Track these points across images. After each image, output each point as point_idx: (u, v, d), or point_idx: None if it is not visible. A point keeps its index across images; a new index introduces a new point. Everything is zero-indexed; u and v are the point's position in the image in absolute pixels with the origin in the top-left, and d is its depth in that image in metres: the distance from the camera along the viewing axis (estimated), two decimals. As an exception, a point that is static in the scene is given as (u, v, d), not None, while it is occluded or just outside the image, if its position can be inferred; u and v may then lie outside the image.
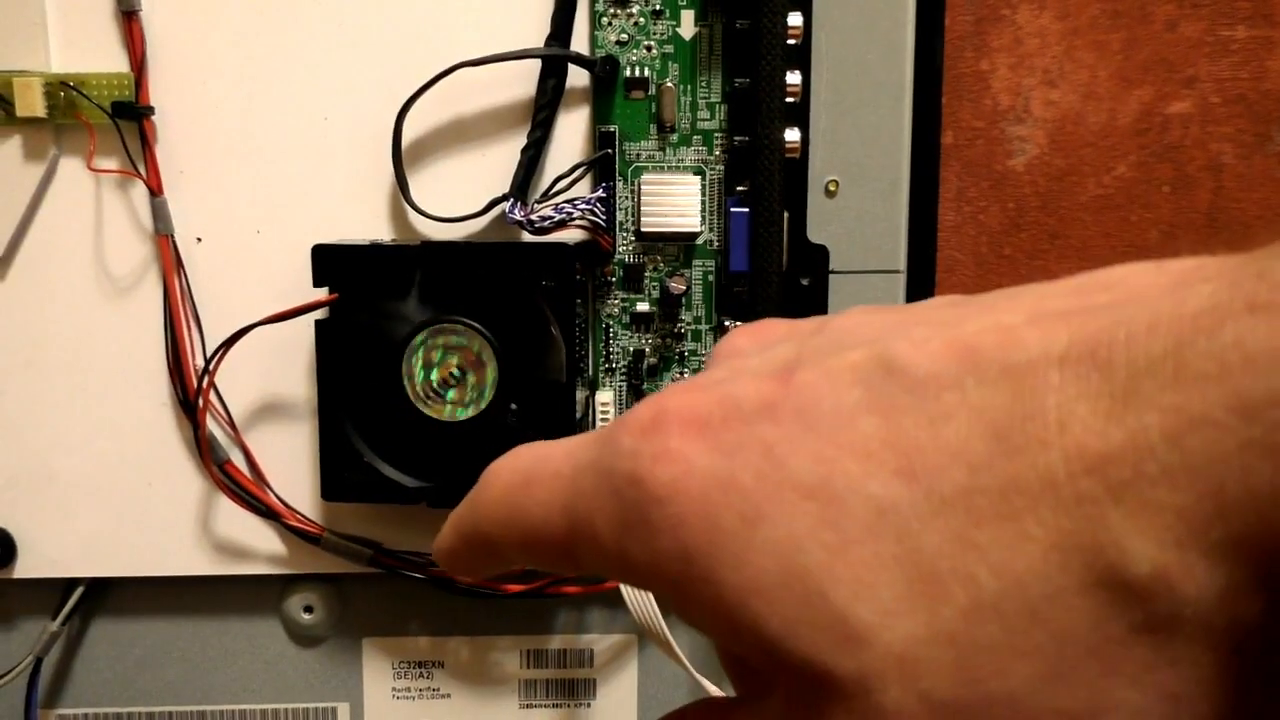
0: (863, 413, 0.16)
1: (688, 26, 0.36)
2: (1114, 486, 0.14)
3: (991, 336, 0.16)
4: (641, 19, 0.36)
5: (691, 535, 0.17)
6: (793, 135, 0.35)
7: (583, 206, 0.36)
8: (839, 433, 0.16)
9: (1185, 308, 0.15)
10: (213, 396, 0.38)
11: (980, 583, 0.15)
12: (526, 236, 0.36)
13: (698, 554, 0.17)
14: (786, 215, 0.36)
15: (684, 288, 0.37)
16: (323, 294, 0.35)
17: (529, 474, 0.20)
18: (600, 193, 0.36)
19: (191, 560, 0.39)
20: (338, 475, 0.36)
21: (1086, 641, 0.15)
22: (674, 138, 0.37)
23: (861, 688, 0.16)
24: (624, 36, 0.36)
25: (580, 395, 0.36)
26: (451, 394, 0.35)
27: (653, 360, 0.38)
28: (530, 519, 0.19)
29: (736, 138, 0.36)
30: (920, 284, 0.39)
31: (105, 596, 0.40)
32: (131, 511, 0.39)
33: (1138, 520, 0.14)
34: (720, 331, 0.38)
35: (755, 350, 0.19)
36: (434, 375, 0.34)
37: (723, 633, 0.17)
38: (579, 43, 0.36)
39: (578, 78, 0.36)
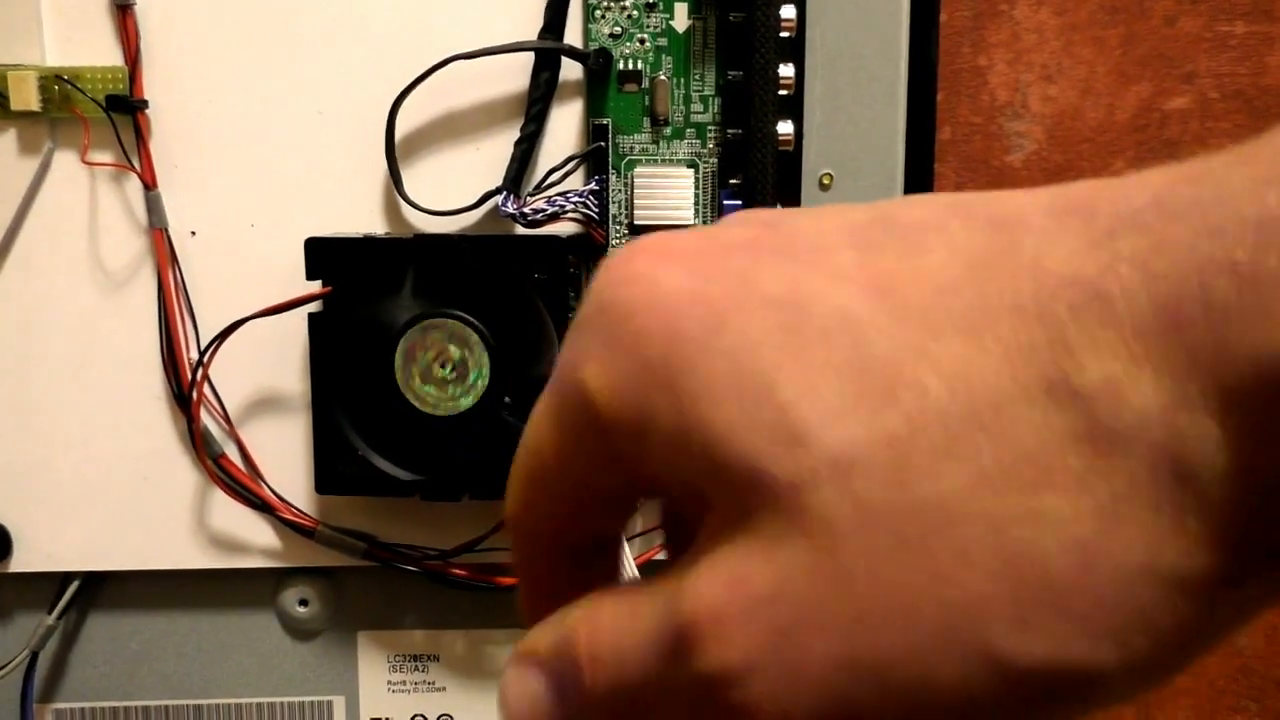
0: (842, 248, 0.16)
1: (681, 19, 0.36)
2: (1076, 305, 0.14)
3: (983, 197, 0.16)
4: (635, 12, 0.36)
5: (651, 347, 0.16)
6: (786, 128, 0.35)
7: (576, 199, 0.36)
8: (817, 261, 0.16)
9: (1173, 171, 0.15)
10: (207, 390, 0.38)
11: (928, 389, 0.15)
12: (519, 229, 0.36)
13: (656, 365, 0.16)
14: (780, 208, 0.36)
15: (677, 281, 0.37)
16: (316, 287, 0.35)
17: (537, 412, 0.19)
18: (593, 186, 0.36)
19: (186, 554, 0.39)
20: (332, 468, 0.36)
21: (1024, 447, 0.15)
22: (667, 130, 0.37)
23: (793, 489, 0.15)
24: (617, 29, 0.36)
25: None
26: (443, 388, 0.35)
27: (646, 353, 0.38)
28: (531, 425, 0.19)
29: (730, 130, 0.36)
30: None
31: (101, 590, 0.41)
32: (127, 505, 0.39)
33: (1094, 334, 0.14)
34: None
35: (741, 219, 0.18)
36: (427, 368, 0.35)
37: (670, 449, 0.16)
38: (572, 36, 0.36)
39: (571, 71, 0.37)
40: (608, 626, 0.17)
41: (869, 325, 0.15)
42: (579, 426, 0.17)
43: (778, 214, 0.18)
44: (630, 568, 0.35)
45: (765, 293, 0.16)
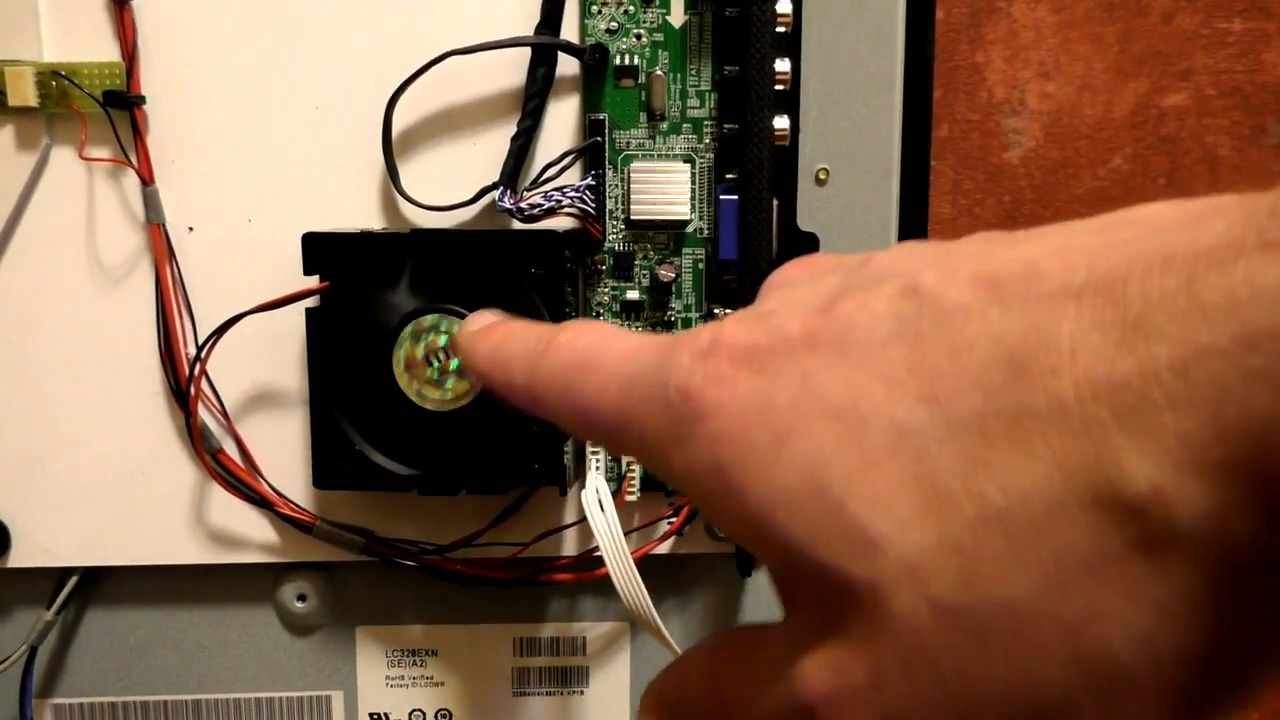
0: (893, 341, 0.17)
1: (677, 14, 0.36)
2: (1119, 411, 0.15)
3: (1016, 267, 0.17)
4: (631, 7, 0.36)
5: (726, 451, 0.18)
6: (782, 123, 0.36)
7: (572, 194, 0.36)
8: (870, 360, 0.17)
9: (1199, 243, 0.15)
10: (205, 385, 0.38)
11: (988, 498, 0.16)
12: (516, 224, 0.36)
13: (729, 468, 0.18)
14: (776, 203, 0.36)
15: (674, 275, 0.37)
16: (313, 282, 0.35)
17: (588, 359, 0.22)
18: (590, 181, 0.36)
19: (185, 549, 0.39)
20: (329, 463, 0.36)
21: (1084, 555, 0.15)
22: (664, 126, 0.37)
23: (875, 593, 0.17)
24: (614, 24, 0.36)
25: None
26: (440, 383, 0.35)
27: (643, 348, 0.38)
28: (584, 399, 0.21)
29: (726, 125, 0.36)
30: (910, 272, 0.39)
31: (99, 585, 0.41)
32: (125, 500, 0.39)
33: (1140, 443, 0.15)
34: (710, 319, 0.38)
35: (804, 280, 0.20)
36: (424, 362, 0.35)
37: (751, 542, 0.18)
38: (569, 31, 0.36)
39: (568, 66, 0.37)
40: (731, 693, 0.20)
41: (929, 438, 0.17)
42: (633, 455, 0.21)
43: (828, 294, 0.19)
44: (606, 510, 0.35)
45: (826, 399, 0.18)
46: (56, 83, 0.36)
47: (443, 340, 0.35)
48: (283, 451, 0.38)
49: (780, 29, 0.35)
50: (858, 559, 0.17)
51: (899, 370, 0.17)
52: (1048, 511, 0.16)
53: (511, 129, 0.36)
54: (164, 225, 0.37)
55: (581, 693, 0.42)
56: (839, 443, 0.17)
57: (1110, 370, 0.15)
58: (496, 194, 0.35)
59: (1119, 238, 0.16)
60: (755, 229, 0.36)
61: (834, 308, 0.18)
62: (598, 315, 0.38)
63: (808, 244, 0.37)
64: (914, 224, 0.39)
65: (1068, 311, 0.16)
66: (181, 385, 0.37)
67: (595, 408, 0.21)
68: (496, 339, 0.26)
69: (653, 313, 0.38)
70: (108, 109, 0.36)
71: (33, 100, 0.35)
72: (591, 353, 0.22)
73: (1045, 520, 0.16)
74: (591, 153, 0.36)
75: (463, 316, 0.34)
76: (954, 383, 0.17)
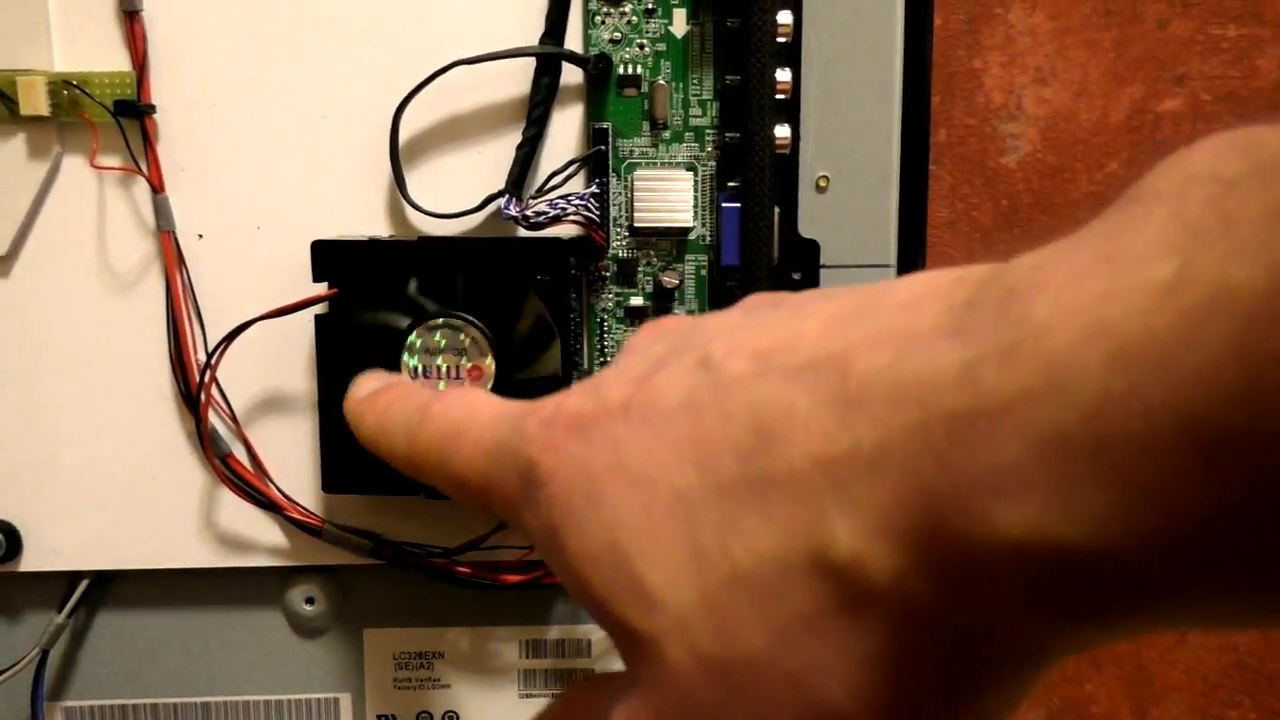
0: (681, 411, 0.20)
1: (680, 25, 0.37)
2: (835, 482, 0.17)
3: (785, 340, 0.19)
4: (634, 17, 0.37)
5: (556, 514, 0.21)
6: (783, 131, 0.36)
7: (577, 202, 0.36)
8: (664, 429, 0.20)
9: (913, 325, 0.17)
10: (214, 390, 0.38)
11: (736, 559, 0.18)
12: (522, 232, 0.37)
13: (558, 529, 0.21)
14: (777, 210, 0.37)
15: (676, 282, 0.38)
16: (322, 289, 0.36)
17: (458, 430, 0.24)
18: (594, 189, 0.37)
19: (194, 553, 0.40)
20: (338, 468, 0.37)
21: (804, 613, 0.17)
22: (666, 134, 0.37)
23: (654, 644, 0.19)
24: (617, 35, 0.37)
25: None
26: (447, 386, 0.35)
27: (647, 353, 0.38)
28: (454, 469, 0.24)
29: (728, 134, 0.37)
30: (910, 277, 0.40)
31: (110, 589, 0.41)
32: (135, 504, 0.39)
33: (846, 511, 0.17)
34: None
35: (644, 347, 0.23)
36: (432, 369, 0.35)
37: (575, 597, 0.21)
38: (573, 41, 0.37)
39: (572, 75, 0.37)
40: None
41: (698, 501, 0.19)
42: (500, 515, 0.24)
43: (651, 363, 0.21)
44: None
45: (629, 466, 0.20)
46: (68, 92, 0.36)
47: (452, 353, 0.35)
48: (291, 456, 0.39)
49: (781, 39, 0.36)
50: (642, 613, 0.19)
51: (683, 439, 0.19)
52: (777, 573, 0.17)
53: (516, 138, 0.37)
54: (174, 233, 0.38)
55: (586, 693, 0.42)
56: (633, 507, 0.19)
57: (831, 444, 0.17)
58: (502, 202, 0.36)
59: (880, 308, 0.18)
60: (757, 236, 0.36)
61: (650, 378, 0.21)
62: (601, 321, 0.38)
63: (809, 250, 0.38)
64: (913, 229, 0.40)
65: (805, 384, 0.18)
66: (192, 391, 0.38)
67: (464, 477, 0.24)
68: (380, 407, 0.29)
69: (656, 318, 0.38)
70: (118, 118, 0.36)
71: (44, 110, 0.36)
72: (461, 423, 0.25)
73: (775, 581, 0.17)
74: (595, 161, 0.37)
75: (469, 322, 0.35)
76: (718, 449, 0.19)
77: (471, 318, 0.35)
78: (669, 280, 0.38)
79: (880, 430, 0.17)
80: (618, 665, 0.42)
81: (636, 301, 0.38)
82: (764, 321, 0.20)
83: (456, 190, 0.37)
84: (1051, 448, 0.15)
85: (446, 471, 0.25)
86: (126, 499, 0.39)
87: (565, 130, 0.37)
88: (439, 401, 0.26)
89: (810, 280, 0.38)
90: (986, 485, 0.15)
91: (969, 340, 0.16)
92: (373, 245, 0.36)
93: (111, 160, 0.37)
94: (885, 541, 0.17)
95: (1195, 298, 0.14)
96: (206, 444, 0.38)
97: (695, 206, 0.37)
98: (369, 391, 0.30)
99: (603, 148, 0.37)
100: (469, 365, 0.35)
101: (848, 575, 0.17)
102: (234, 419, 0.39)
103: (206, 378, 0.37)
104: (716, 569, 0.18)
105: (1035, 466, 0.15)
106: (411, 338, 0.35)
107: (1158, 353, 0.14)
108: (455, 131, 0.37)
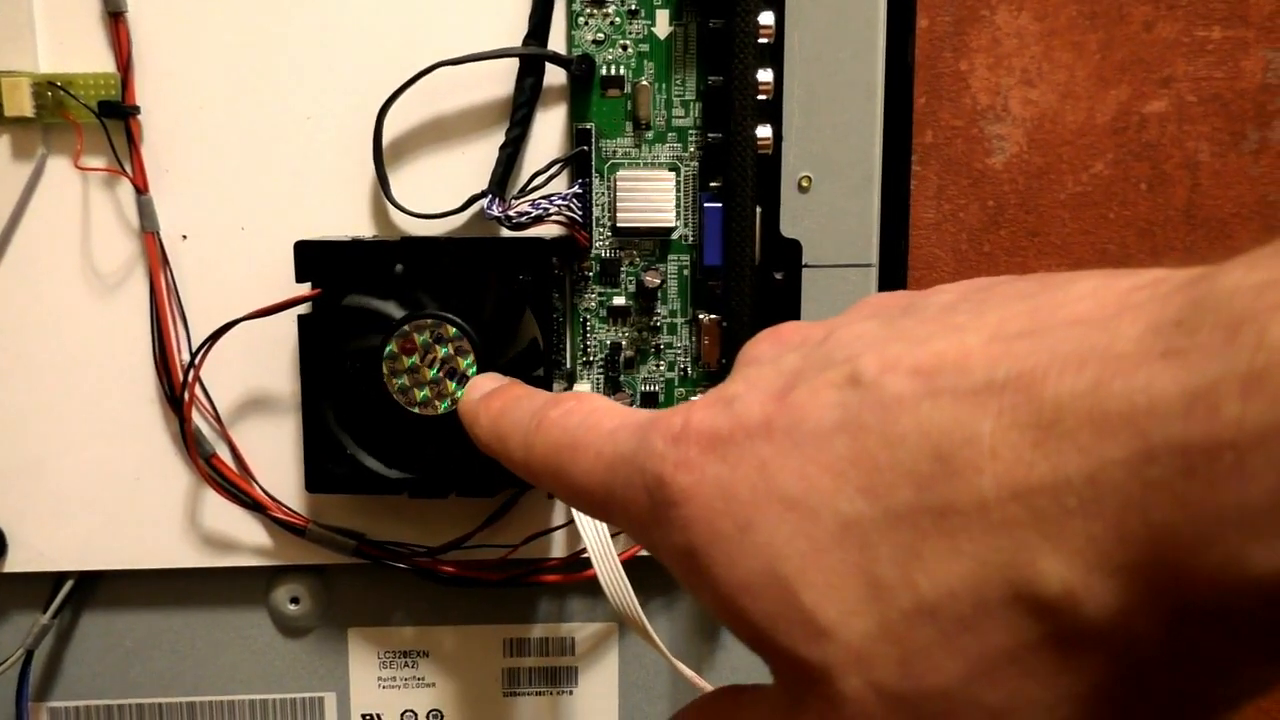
0: (838, 433, 0.19)
1: (663, 26, 0.37)
2: (1035, 512, 0.16)
3: (950, 357, 0.18)
4: (617, 18, 0.37)
5: (696, 536, 0.20)
6: (765, 132, 0.36)
7: (560, 202, 0.37)
8: (818, 452, 0.19)
9: (1113, 347, 0.16)
10: (198, 391, 0.38)
11: (920, 590, 0.17)
12: (505, 232, 0.37)
13: (700, 553, 0.20)
14: (760, 210, 0.37)
15: (659, 281, 0.38)
16: (305, 289, 0.36)
17: (575, 440, 0.24)
18: (577, 189, 0.37)
19: (179, 553, 0.40)
20: (321, 468, 0.37)
21: (1005, 648, 0.17)
22: (649, 134, 0.37)
23: (827, 675, 0.18)
24: (600, 36, 0.37)
25: (558, 387, 0.37)
26: (430, 387, 0.35)
27: (629, 353, 0.38)
28: (573, 480, 0.24)
29: (710, 134, 0.37)
30: (891, 277, 0.40)
31: (95, 589, 0.41)
32: (120, 505, 0.39)
33: (1053, 545, 0.16)
34: (695, 325, 0.38)
35: (770, 358, 0.22)
36: (414, 368, 0.35)
37: (724, 621, 0.20)
38: (556, 42, 0.37)
39: (555, 76, 0.37)
40: None
41: (870, 529, 0.18)
42: (620, 528, 0.23)
43: (786, 377, 0.20)
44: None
45: (781, 490, 0.19)
46: (52, 93, 0.36)
47: (435, 353, 0.35)
48: (275, 456, 0.39)
49: (763, 40, 0.36)
50: (811, 644, 0.18)
51: (843, 462, 0.18)
52: (973, 606, 0.17)
53: (500, 138, 0.37)
54: (158, 233, 0.38)
55: (570, 692, 0.42)
56: (792, 533, 0.19)
57: (1028, 473, 0.16)
58: (485, 202, 0.36)
59: (1051, 322, 0.17)
60: (739, 236, 0.36)
61: (789, 395, 0.20)
62: (584, 321, 0.38)
63: (791, 249, 0.38)
64: (895, 229, 0.40)
65: (989, 408, 0.17)
66: (176, 391, 0.38)
67: (584, 488, 0.23)
68: (495, 410, 0.28)
69: (639, 318, 0.38)
70: (103, 119, 0.36)
71: (29, 111, 0.36)
72: (579, 433, 0.24)
73: (970, 614, 0.17)
74: (578, 161, 0.37)
75: (452, 322, 0.35)
76: (890, 476, 0.18)
77: (454, 317, 0.35)
78: (651, 280, 0.38)
79: (1089, 460, 0.16)
80: (601, 663, 0.42)
81: (619, 301, 0.38)
82: (913, 334, 0.19)
83: (440, 191, 0.37)
84: None
85: (565, 482, 0.24)
86: (111, 500, 0.39)
87: (548, 131, 0.38)
88: (555, 407, 0.25)
89: (792, 280, 0.38)
90: (1237, 523, 0.14)
91: (1191, 365, 0.15)
92: (356, 246, 0.36)
93: (96, 161, 0.37)
94: (1104, 578, 0.16)
95: None
96: (190, 444, 0.38)
97: (678, 206, 0.38)
98: (483, 393, 0.30)
99: (585, 148, 0.37)
100: (451, 364, 0.35)
101: (1060, 611, 0.16)
102: (218, 419, 0.39)
103: (190, 378, 0.37)
104: (897, 599, 0.17)
105: None
106: (393, 339, 0.35)
107: None
108: (439, 132, 0.38)
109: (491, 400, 0.29)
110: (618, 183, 0.37)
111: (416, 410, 0.35)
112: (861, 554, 0.18)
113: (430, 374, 0.35)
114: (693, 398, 0.37)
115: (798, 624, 0.18)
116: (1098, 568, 0.16)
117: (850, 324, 0.21)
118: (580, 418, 0.24)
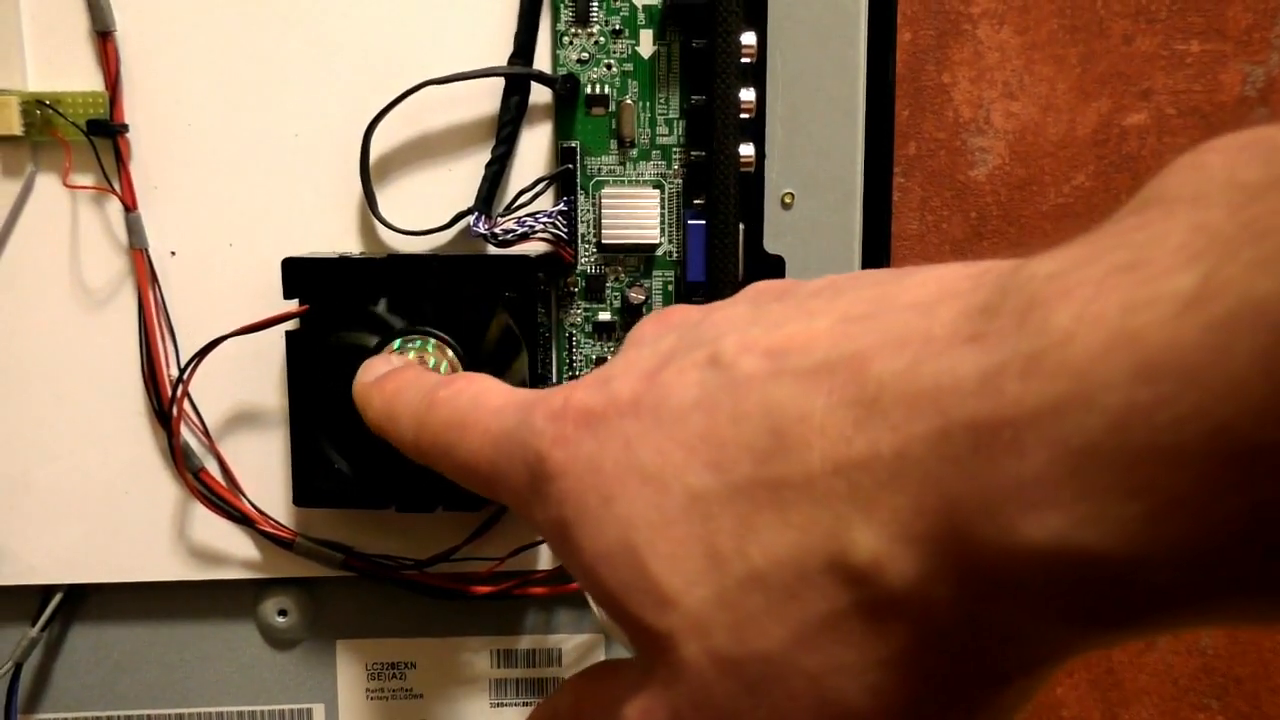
0: (694, 410, 0.20)
1: (646, 46, 0.37)
2: (853, 486, 0.17)
3: (799, 340, 0.19)
4: (602, 38, 0.37)
5: (568, 510, 0.21)
6: (747, 150, 0.37)
7: (545, 220, 0.37)
8: (676, 428, 0.20)
9: (930, 329, 0.17)
10: (187, 406, 0.39)
11: (753, 560, 0.18)
12: (490, 249, 0.37)
13: (569, 524, 0.21)
14: (743, 227, 0.37)
15: (644, 297, 0.38)
16: (293, 306, 0.36)
17: (464, 418, 0.25)
18: (562, 206, 0.38)
19: (168, 566, 0.40)
20: (309, 482, 0.37)
21: (823, 615, 0.18)
22: (634, 153, 0.38)
23: (671, 642, 0.19)
24: (585, 55, 0.37)
25: (544, 402, 0.37)
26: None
27: (615, 368, 0.39)
28: (461, 457, 0.24)
29: (694, 152, 0.38)
30: (873, 292, 0.40)
31: (83, 602, 0.41)
32: (109, 519, 0.39)
33: (864, 517, 0.17)
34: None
35: (651, 340, 0.23)
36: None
37: (588, 592, 0.21)
38: (541, 61, 0.37)
39: (540, 95, 0.38)
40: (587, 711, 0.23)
41: (713, 502, 0.19)
42: (506, 503, 0.24)
43: (660, 357, 0.21)
44: None
45: (640, 465, 0.20)
46: (41, 112, 0.37)
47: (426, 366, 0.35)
48: (263, 470, 0.39)
49: (745, 59, 0.36)
50: (657, 613, 0.19)
51: (695, 438, 0.19)
52: (796, 575, 0.18)
53: (486, 156, 0.37)
54: (146, 250, 0.38)
55: (557, 703, 0.42)
56: (646, 506, 0.19)
57: (848, 448, 0.17)
58: (471, 219, 0.36)
59: (892, 305, 0.18)
60: (722, 252, 0.37)
61: (659, 374, 0.21)
62: (570, 337, 0.39)
63: (775, 266, 0.38)
64: (877, 244, 0.41)
65: (822, 387, 0.18)
66: (164, 406, 0.38)
67: (472, 466, 0.24)
68: (389, 392, 0.29)
69: (624, 333, 0.39)
70: (91, 137, 0.37)
71: (18, 129, 0.36)
72: (468, 412, 0.25)
73: (793, 582, 0.18)
74: (563, 179, 0.38)
75: (439, 338, 0.35)
76: (733, 451, 0.19)
77: (441, 333, 0.35)
78: (636, 296, 0.38)
79: (899, 436, 0.17)
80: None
81: (604, 317, 0.39)
82: (774, 318, 0.20)
83: (426, 208, 0.38)
84: (1079, 459, 0.15)
85: (454, 460, 0.25)
86: (100, 513, 0.39)
87: (534, 149, 0.38)
88: (445, 388, 0.26)
89: (775, 296, 0.38)
90: (1013, 495, 0.15)
91: (988, 348, 0.16)
92: (343, 263, 0.36)
93: (84, 179, 0.38)
94: (906, 547, 0.17)
95: (1221, 309, 0.13)
96: (179, 459, 0.38)
97: (662, 223, 0.38)
98: (376, 376, 0.30)
99: (571, 166, 0.38)
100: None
101: (867, 579, 0.17)
102: (206, 434, 0.39)
103: (179, 393, 0.37)
104: (732, 569, 0.18)
105: (1063, 477, 0.15)
106: (379, 354, 0.35)
107: (1184, 365, 0.14)
108: (425, 150, 0.38)
109: (385, 382, 0.29)
110: (603, 200, 0.37)
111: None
112: (704, 526, 0.19)
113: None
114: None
115: (645, 592, 0.19)
116: (900, 538, 0.17)
117: (726, 308, 0.22)
118: (469, 397, 0.25)
